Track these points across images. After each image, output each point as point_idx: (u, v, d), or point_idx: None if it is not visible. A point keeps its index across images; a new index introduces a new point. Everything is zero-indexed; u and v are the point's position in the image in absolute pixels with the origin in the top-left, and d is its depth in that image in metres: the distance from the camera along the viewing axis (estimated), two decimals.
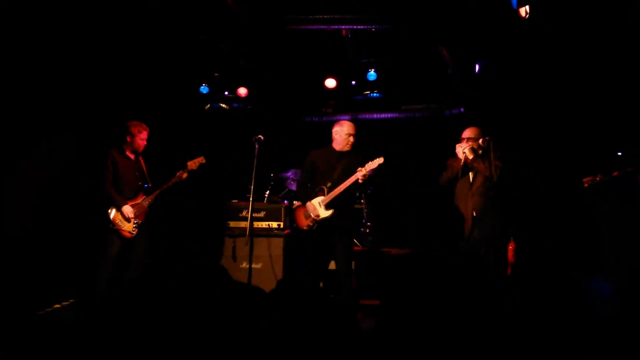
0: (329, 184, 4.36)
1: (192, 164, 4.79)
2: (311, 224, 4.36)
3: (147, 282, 5.18)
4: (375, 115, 7.27)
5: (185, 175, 4.73)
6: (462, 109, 6.85)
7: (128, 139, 4.63)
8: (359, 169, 4.21)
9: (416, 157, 6.95)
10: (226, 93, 7.05)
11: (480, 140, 4.17)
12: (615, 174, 4.59)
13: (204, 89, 6.78)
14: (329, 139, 4.55)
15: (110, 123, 4.91)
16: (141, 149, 4.71)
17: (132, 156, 4.69)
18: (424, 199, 6.68)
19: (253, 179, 4.44)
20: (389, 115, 7.25)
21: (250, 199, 4.54)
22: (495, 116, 5.94)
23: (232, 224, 5.70)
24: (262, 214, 5.66)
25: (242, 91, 6.88)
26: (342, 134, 4.42)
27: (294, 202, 5.03)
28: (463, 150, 4.24)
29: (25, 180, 4.71)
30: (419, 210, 6.83)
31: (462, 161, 4.25)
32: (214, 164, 7.00)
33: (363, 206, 6.41)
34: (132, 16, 5.09)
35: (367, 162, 4.22)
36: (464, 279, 4.10)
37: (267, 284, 5.09)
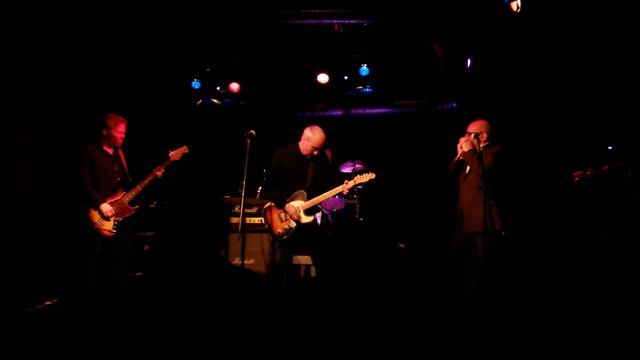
0: (306, 186, 4.39)
1: (174, 155, 4.57)
2: (287, 227, 4.34)
3: (139, 280, 5.15)
4: (367, 111, 7.27)
5: (163, 169, 4.48)
6: (454, 104, 6.87)
7: (104, 132, 4.38)
8: (346, 181, 4.34)
9: (408, 151, 6.95)
10: (218, 88, 7.02)
11: (473, 135, 4.16)
12: (606, 168, 4.62)
13: (195, 84, 6.74)
14: None
15: (94, 117, 4.65)
16: (119, 142, 4.46)
17: (110, 150, 4.45)
18: (417, 193, 6.69)
19: (245, 175, 4.41)
20: (382, 110, 7.26)
21: (242, 195, 4.52)
22: (487, 111, 5.94)
23: None
24: (254, 210, 5.65)
25: (234, 86, 6.85)
26: (308, 144, 4.37)
27: (262, 200, 4.87)
28: (460, 145, 4.24)
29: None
30: (411, 205, 6.84)
31: (458, 155, 4.26)
32: (206, 160, 7.00)
33: (356, 202, 6.41)
34: (126, 11, 5.06)
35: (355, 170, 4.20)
36: (454, 272, 4.12)
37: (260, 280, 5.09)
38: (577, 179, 4.68)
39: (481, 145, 4.18)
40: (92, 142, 4.40)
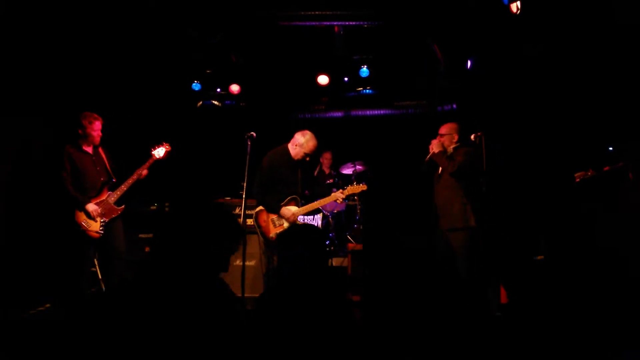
0: (298, 192, 4.41)
1: (157, 154, 4.51)
2: (280, 232, 4.32)
3: (136, 280, 5.12)
4: (367, 112, 7.27)
5: (145, 171, 4.42)
6: (454, 105, 6.87)
7: (80, 132, 4.30)
8: (340, 190, 4.45)
9: (409, 152, 6.95)
10: (218, 90, 7.02)
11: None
12: (607, 169, 4.63)
13: (195, 86, 6.74)
14: (321, 135, 4.54)
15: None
16: (97, 140, 4.37)
17: (89, 150, 4.37)
18: (416, 194, 6.68)
19: (246, 177, 4.40)
20: (382, 111, 7.26)
21: (243, 197, 4.51)
22: (487, 112, 5.95)
23: None
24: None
25: (235, 88, 6.85)
26: (301, 150, 4.35)
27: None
28: (431, 147, 4.44)
29: None
30: (411, 206, 6.83)
31: (428, 156, 4.46)
32: (206, 162, 7.00)
33: (356, 202, 6.42)
34: (125, 13, 5.05)
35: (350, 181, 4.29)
36: (437, 271, 4.18)
37: (261, 281, 5.10)
38: (578, 179, 4.69)
39: (452, 146, 4.44)
40: (70, 144, 4.32)
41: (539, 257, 4.87)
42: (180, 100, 6.93)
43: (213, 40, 5.89)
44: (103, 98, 5.30)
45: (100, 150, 4.46)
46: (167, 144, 4.59)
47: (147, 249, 5.53)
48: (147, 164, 4.45)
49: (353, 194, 4.59)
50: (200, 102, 7.10)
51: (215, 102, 7.10)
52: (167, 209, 5.92)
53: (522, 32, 5.01)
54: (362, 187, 4.53)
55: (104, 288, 4.34)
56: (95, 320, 1.68)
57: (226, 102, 7.18)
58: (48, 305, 4.25)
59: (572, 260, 4.79)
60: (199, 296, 1.72)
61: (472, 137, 4.26)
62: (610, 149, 5.00)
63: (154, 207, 5.81)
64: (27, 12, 4.52)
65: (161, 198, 5.90)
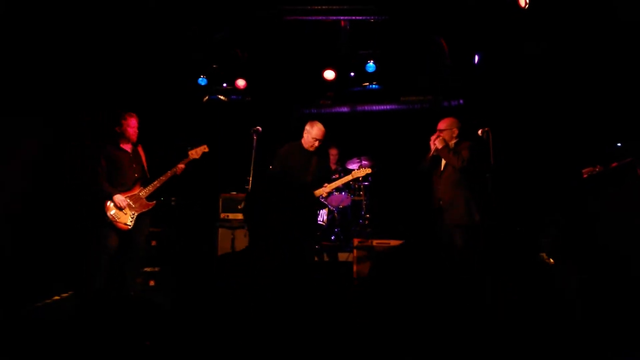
0: (307, 181, 4.51)
1: (194, 153, 4.61)
2: None
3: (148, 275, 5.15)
4: (374, 107, 7.26)
5: (182, 166, 4.51)
6: (460, 101, 6.84)
7: (117, 129, 4.40)
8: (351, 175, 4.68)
9: (415, 148, 6.94)
10: (225, 85, 7.02)
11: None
12: (614, 165, 4.60)
13: (202, 80, 6.74)
14: (327, 131, 4.55)
15: (95, 114, 4.67)
16: (134, 137, 4.46)
17: (127, 147, 4.47)
18: (422, 189, 6.67)
19: (251, 171, 4.42)
20: (388, 106, 7.24)
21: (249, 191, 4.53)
22: (494, 107, 5.93)
23: (231, 215, 5.70)
24: None
25: (241, 83, 6.85)
26: (309, 136, 4.49)
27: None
28: (433, 142, 4.43)
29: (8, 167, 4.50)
30: (416, 201, 6.83)
31: (431, 152, 4.47)
32: (213, 156, 7.01)
33: (362, 198, 6.42)
34: (130, 10, 5.06)
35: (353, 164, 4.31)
36: (441, 267, 4.18)
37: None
38: (586, 175, 4.67)
39: (453, 141, 4.44)
40: (109, 142, 4.41)
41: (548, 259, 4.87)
42: (186, 95, 6.93)
43: (218, 35, 5.90)
44: (105, 96, 5.31)
45: (140, 148, 4.56)
46: (206, 146, 4.65)
47: (153, 243, 5.56)
48: (184, 162, 4.52)
49: (360, 177, 4.82)
50: (207, 97, 7.10)
51: (222, 97, 7.10)
52: (173, 203, 5.96)
53: (528, 28, 4.99)
54: (367, 170, 4.75)
55: (121, 281, 4.37)
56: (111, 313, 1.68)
57: (232, 96, 7.18)
58: (64, 295, 4.25)
59: (577, 258, 4.77)
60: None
61: (480, 132, 4.25)
62: (619, 145, 4.98)
63: (160, 202, 5.83)
64: (28, 12, 4.52)
65: (167, 192, 5.92)
